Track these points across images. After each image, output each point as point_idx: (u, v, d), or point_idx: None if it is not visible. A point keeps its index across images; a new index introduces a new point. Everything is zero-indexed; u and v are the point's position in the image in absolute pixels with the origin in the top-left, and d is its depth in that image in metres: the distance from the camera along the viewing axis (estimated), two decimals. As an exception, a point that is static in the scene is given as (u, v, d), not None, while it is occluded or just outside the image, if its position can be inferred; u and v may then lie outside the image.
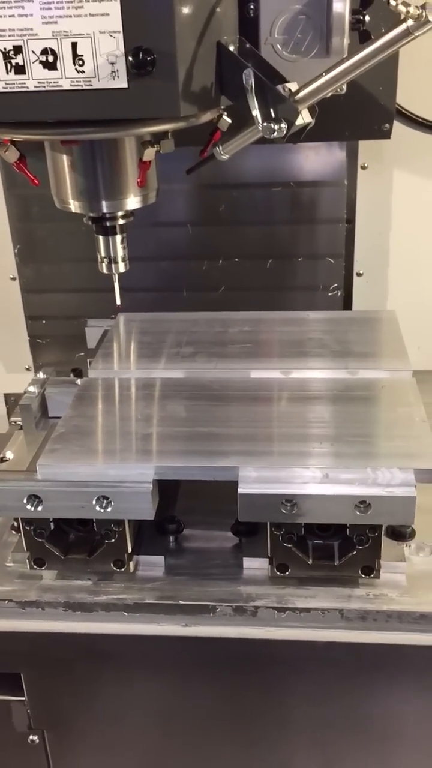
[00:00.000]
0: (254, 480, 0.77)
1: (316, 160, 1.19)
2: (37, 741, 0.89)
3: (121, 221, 0.95)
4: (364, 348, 1.02)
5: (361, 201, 1.22)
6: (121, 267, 0.99)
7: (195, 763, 0.90)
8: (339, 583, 0.81)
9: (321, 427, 0.85)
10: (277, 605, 0.79)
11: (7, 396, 1.36)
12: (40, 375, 1.04)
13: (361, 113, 1.07)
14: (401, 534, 0.84)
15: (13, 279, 1.27)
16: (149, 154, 0.89)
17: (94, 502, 0.78)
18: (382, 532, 0.79)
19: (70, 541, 0.84)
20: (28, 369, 1.33)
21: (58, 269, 1.25)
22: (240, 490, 0.76)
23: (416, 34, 0.76)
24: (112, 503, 0.78)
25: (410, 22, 0.75)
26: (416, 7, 0.75)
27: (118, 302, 1.01)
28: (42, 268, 1.26)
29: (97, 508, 0.78)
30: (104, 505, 0.78)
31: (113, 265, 0.98)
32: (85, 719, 0.88)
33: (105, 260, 0.98)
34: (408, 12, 0.74)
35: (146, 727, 0.88)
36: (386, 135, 1.11)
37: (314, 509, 0.76)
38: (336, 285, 1.26)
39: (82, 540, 0.83)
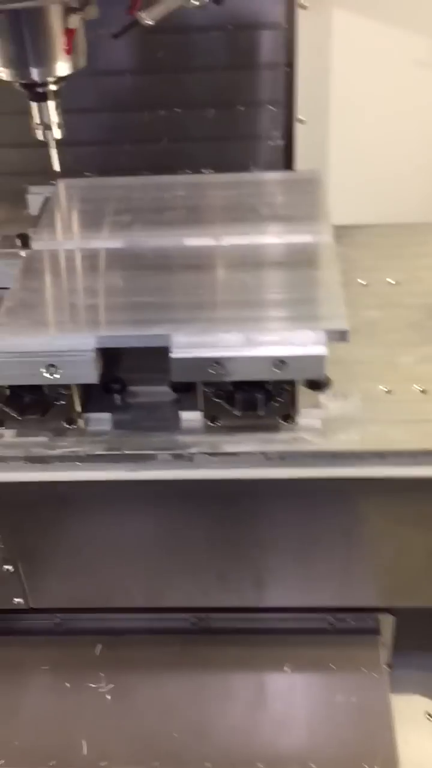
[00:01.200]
0: (185, 345, 0.86)
1: (254, 1, 1.18)
2: (12, 570, 1.04)
3: (53, 87, 0.98)
4: (290, 212, 1.09)
5: (301, 43, 1.21)
6: (56, 133, 1.02)
7: (142, 577, 1.06)
8: (263, 430, 0.93)
9: (245, 293, 0.93)
10: (210, 451, 0.91)
11: None
12: (-19, 246, 1.10)
13: None
14: (318, 384, 0.95)
15: None
16: (74, 21, 0.93)
17: (43, 370, 0.87)
18: (298, 385, 0.90)
19: (26, 403, 0.94)
20: None
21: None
22: (172, 355, 0.86)
23: None
24: (60, 370, 0.87)
25: None
26: None
27: (56, 167, 1.05)
28: None
29: (46, 375, 0.87)
30: (52, 372, 0.87)
31: (48, 132, 1.02)
32: (50, 551, 1.03)
33: (40, 127, 1.02)
34: None
35: (101, 554, 1.03)
36: None
37: (238, 369, 0.87)
38: (277, 133, 1.28)
39: (36, 401, 0.93)
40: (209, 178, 1.19)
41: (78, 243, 1.06)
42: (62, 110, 1.00)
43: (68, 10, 0.92)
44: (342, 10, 1.22)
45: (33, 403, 0.94)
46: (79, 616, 1.14)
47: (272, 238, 1.04)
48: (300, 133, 1.29)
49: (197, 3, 0.84)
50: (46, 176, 1.11)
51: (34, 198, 1.21)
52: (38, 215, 1.14)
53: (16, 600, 1.08)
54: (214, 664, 1.09)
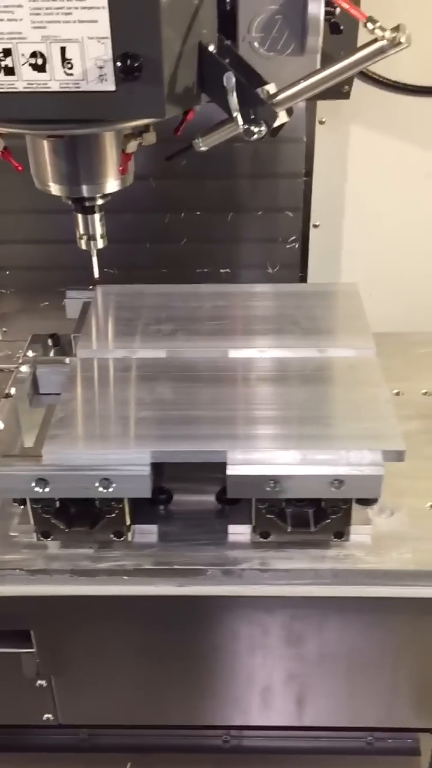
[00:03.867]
0: (241, 462, 0.86)
1: (277, 118, 1.24)
2: (45, 685, 1.01)
3: (99, 201, 1.00)
4: (331, 324, 1.11)
5: (318, 155, 1.27)
6: (100, 243, 1.04)
7: (179, 693, 1.03)
8: (313, 546, 0.92)
9: (297, 408, 0.94)
10: (260, 567, 0.90)
11: None
12: (30, 354, 1.11)
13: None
14: (368, 500, 0.95)
15: None
16: (132, 146, 0.95)
17: (97, 484, 0.86)
18: (352, 503, 0.90)
19: (73, 514, 0.93)
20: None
21: (20, 219, 1.27)
22: (229, 472, 0.86)
23: (389, 53, 0.83)
24: (114, 484, 0.87)
25: (385, 42, 0.81)
26: (390, 30, 0.81)
27: (96, 275, 1.07)
28: (3, 219, 1.28)
29: (100, 489, 0.87)
30: (106, 486, 0.87)
31: (92, 242, 1.04)
32: (86, 666, 1.00)
33: (84, 237, 1.04)
34: (384, 36, 0.80)
35: (139, 669, 1.00)
36: (345, 96, 1.17)
37: (295, 487, 0.87)
38: (294, 237, 1.32)
39: (84, 513, 0.92)
40: (247, 288, 1.21)
41: (122, 352, 1.06)
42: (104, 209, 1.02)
43: (127, 136, 0.95)
44: (358, 126, 1.29)
45: (81, 515, 0.93)
46: (107, 732, 1.09)
47: (316, 351, 1.05)
48: (315, 236, 1.35)
49: (255, 136, 0.87)
50: (64, 273, 1.15)
51: (72, 303, 1.23)
52: (79, 321, 1.15)
53: (46, 716, 1.04)
54: (249, 786, 1.05)
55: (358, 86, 1.21)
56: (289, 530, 0.91)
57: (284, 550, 0.92)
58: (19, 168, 0.99)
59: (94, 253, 1.06)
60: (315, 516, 0.91)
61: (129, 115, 0.85)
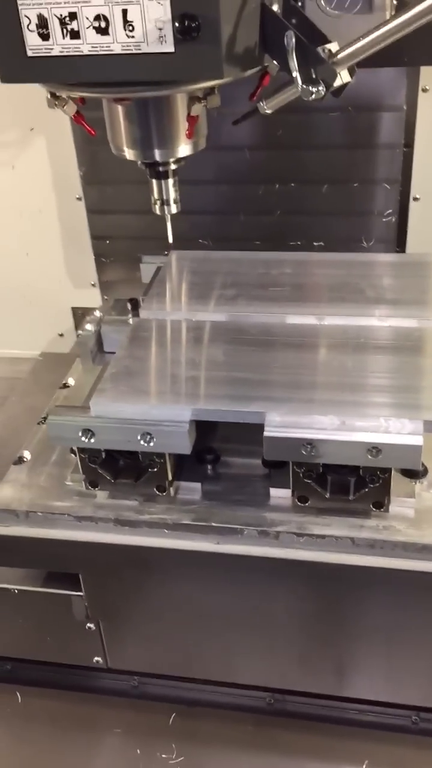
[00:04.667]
0: (278, 424, 0.87)
1: (376, 84, 1.20)
2: (94, 628, 1.06)
3: (173, 166, 1.02)
4: (400, 295, 1.08)
5: (420, 125, 1.21)
6: (173, 209, 1.06)
7: (221, 651, 1.05)
8: (353, 514, 0.91)
9: (344, 376, 0.93)
10: (296, 531, 0.90)
11: (74, 309, 1.47)
12: (97, 314, 1.15)
13: (422, 39, 0.99)
14: (413, 473, 0.93)
15: (79, 199, 1.33)
16: (197, 109, 0.96)
17: (138, 438, 0.89)
18: (392, 473, 0.88)
19: (120, 467, 0.96)
20: (93, 285, 1.41)
21: (120, 191, 1.30)
22: (266, 433, 0.86)
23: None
24: (155, 439, 0.89)
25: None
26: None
27: (170, 240, 1.08)
28: (105, 190, 1.32)
29: (142, 442, 0.90)
30: (148, 440, 0.90)
31: (166, 207, 1.06)
32: (132, 614, 1.04)
33: (158, 202, 1.06)
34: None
35: (182, 622, 1.03)
36: None
37: (331, 452, 0.86)
38: (390, 210, 1.29)
39: (130, 466, 0.96)
40: (318, 256, 1.20)
41: (184, 314, 1.09)
42: (181, 181, 1.03)
43: (192, 99, 0.97)
44: None
45: (127, 468, 0.96)
46: (156, 682, 1.13)
47: (377, 320, 1.03)
48: (414, 211, 1.30)
49: (314, 96, 0.86)
50: (161, 242, 1.14)
51: (147, 267, 1.27)
52: (149, 284, 1.18)
53: (96, 658, 1.09)
54: (288, 750, 1.06)
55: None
56: (327, 496, 0.91)
57: (323, 516, 0.92)
58: (93, 132, 1.02)
59: (169, 218, 1.08)
60: (355, 484, 0.90)
61: (188, 77, 0.87)
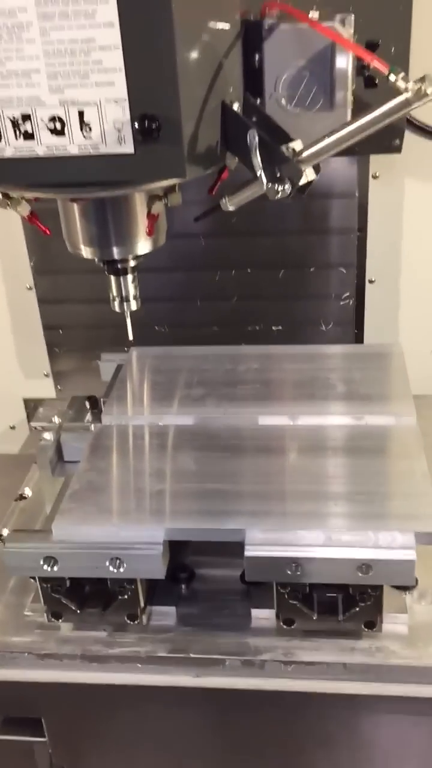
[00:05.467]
0: (260, 542, 0.80)
1: (328, 172, 1.19)
2: (59, 775, 0.94)
3: (132, 263, 0.97)
4: (370, 390, 1.04)
5: (372, 210, 1.21)
6: (133, 305, 1.01)
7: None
8: (343, 635, 0.84)
9: (325, 483, 0.87)
10: (283, 659, 0.82)
11: (26, 401, 1.41)
12: (55, 420, 1.07)
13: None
14: (404, 586, 0.86)
15: (30, 289, 1.29)
16: (157, 207, 0.92)
17: (107, 564, 0.81)
18: (383, 589, 0.82)
19: (86, 594, 0.87)
20: (46, 375, 1.37)
21: (72, 280, 1.27)
22: (247, 553, 0.79)
23: (415, 105, 0.78)
24: (125, 564, 0.81)
25: (410, 94, 0.76)
26: (414, 81, 0.76)
27: (131, 337, 1.03)
28: (57, 279, 1.28)
29: (111, 568, 0.81)
30: (117, 565, 0.81)
31: (125, 303, 1.00)
32: (103, 760, 0.93)
33: (117, 299, 1.01)
34: (407, 88, 0.75)
35: (156, 762, 0.92)
36: (397, 149, 1.11)
37: (318, 571, 0.79)
38: (348, 294, 1.27)
39: (98, 593, 0.87)
40: (284, 349, 1.16)
41: (148, 418, 1.02)
42: (136, 269, 0.99)
43: (152, 198, 0.93)
44: (413, 179, 1.23)
45: (93, 595, 0.88)
46: None
47: (351, 419, 0.98)
48: (370, 291, 1.30)
49: (280, 195, 0.83)
50: (117, 331, 1.08)
51: (106, 366, 1.21)
52: (109, 385, 1.12)
53: (62, 807, 0.97)
54: None
55: (412, 139, 1.15)
56: (314, 618, 0.83)
57: (311, 639, 0.84)
58: (48, 232, 0.98)
59: (128, 314, 1.03)
60: (343, 603, 0.83)
61: (149, 177, 0.83)
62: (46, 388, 1.38)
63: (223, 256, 1.24)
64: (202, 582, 0.92)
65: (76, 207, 0.94)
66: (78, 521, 0.84)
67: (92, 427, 1.05)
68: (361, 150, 1.08)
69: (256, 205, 1.15)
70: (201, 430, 0.99)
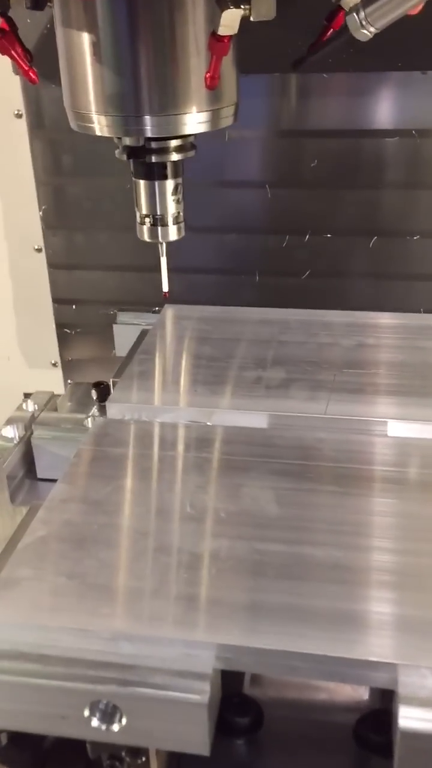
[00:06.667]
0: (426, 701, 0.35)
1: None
2: None
3: (174, 156, 0.63)
4: None
5: None
6: (172, 232, 0.68)
7: None
8: None
9: None
10: None
11: (26, 396, 1.12)
12: (29, 405, 0.65)
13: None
14: None
15: (38, 250, 1.03)
16: (230, 18, 0.53)
17: (86, 712, 0.40)
18: None
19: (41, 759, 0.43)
20: (54, 364, 1.10)
21: (92, 239, 1.01)
22: (402, 722, 0.34)
23: None
24: (125, 716, 0.39)
25: None
26: None
27: (165, 288, 0.73)
28: (73, 237, 1.01)
29: (95, 722, 0.40)
30: (108, 716, 0.40)
31: (159, 229, 0.67)
32: None
33: (148, 220, 0.67)
34: None
35: None
36: None
37: None
38: None
39: (66, 762, 0.42)
40: (373, 317, 0.80)
41: (184, 413, 0.63)
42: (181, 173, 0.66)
43: (220, 2, 0.54)
44: None
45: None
46: None
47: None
48: None
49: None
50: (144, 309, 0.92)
51: (123, 330, 0.86)
52: (126, 359, 0.74)
53: None
54: None
55: None
56: None
57: None
58: (35, 78, 0.65)
59: (163, 248, 0.70)
60: None
61: None
62: (53, 381, 1.11)
63: (295, 215, 0.97)
64: (274, 728, 0.50)
65: (86, 38, 0.56)
66: (28, 610, 0.43)
67: (89, 422, 0.61)
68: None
69: (346, 144, 0.91)
70: (279, 440, 0.60)
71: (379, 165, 0.93)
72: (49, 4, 0.60)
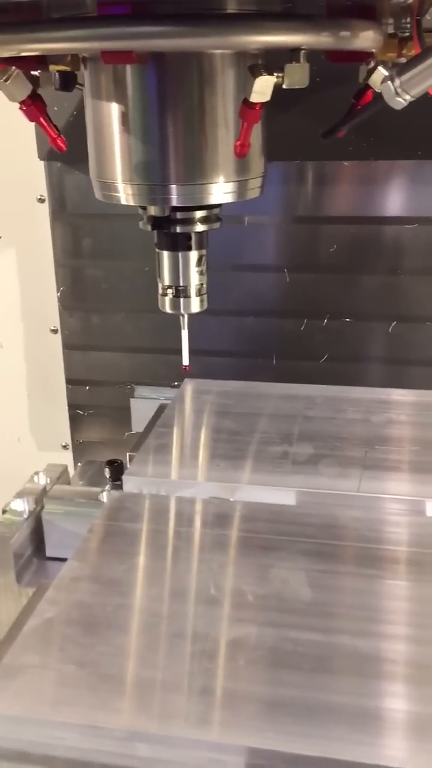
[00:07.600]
0: None
1: None
2: None
3: (199, 227, 0.61)
4: None
5: None
6: (195, 304, 0.65)
7: None
8: None
9: None
10: None
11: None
12: (41, 478, 0.61)
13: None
14: None
15: (54, 331, 1.01)
16: (263, 85, 0.51)
17: None
18: None
19: None
20: (65, 447, 1.08)
21: (108, 320, 0.99)
22: None
23: None
24: None
25: None
26: None
27: (186, 362, 0.70)
28: (89, 318, 1.00)
29: None
30: None
31: (182, 300, 0.65)
32: None
33: (170, 291, 0.64)
34: None
35: None
36: None
37: None
38: None
39: None
40: (397, 394, 0.78)
41: (204, 488, 0.60)
42: (206, 244, 0.65)
43: (253, 69, 0.52)
44: None
45: None
46: None
47: None
48: None
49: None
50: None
51: (141, 405, 0.84)
52: (143, 432, 0.71)
53: None
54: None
55: None
56: None
57: None
58: (61, 143, 0.63)
59: (185, 321, 0.68)
60: None
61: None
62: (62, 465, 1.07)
63: (313, 299, 0.95)
64: None
65: (115, 109, 0.55)
66: (31, 702, 0.38)
67: (104, 496, 0.57)
68: None
69: (365, 230, 0.91)
70: (309, 518, 0.56)
71: (399, 251, 0.91)
72: (78, 86, 0.61)
